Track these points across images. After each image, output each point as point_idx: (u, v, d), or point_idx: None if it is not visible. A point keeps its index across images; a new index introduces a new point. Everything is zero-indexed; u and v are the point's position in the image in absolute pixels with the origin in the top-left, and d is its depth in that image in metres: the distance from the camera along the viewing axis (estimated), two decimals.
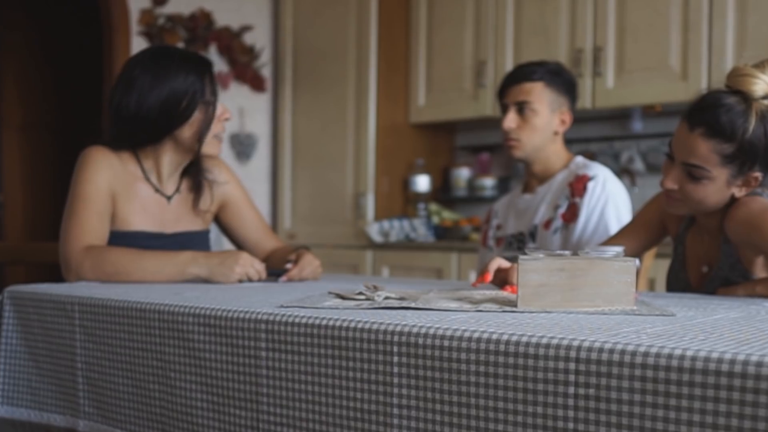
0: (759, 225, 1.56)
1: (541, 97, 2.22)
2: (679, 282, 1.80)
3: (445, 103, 3.98)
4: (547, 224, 2.21)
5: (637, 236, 1.88)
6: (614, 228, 2.12)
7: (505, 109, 2.26)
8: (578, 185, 2.19)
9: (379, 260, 3.94)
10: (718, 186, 1.58)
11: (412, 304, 1.21)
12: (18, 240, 4.97)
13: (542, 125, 2.23)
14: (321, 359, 1.10)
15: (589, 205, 2.16)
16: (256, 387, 1.17)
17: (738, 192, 1.60)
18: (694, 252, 1.78)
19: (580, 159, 2.30)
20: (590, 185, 2.17)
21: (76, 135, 4.76)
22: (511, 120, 2.22)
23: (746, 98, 1.53)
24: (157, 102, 1.84)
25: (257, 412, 1.17)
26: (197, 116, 1.87)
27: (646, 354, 0.83)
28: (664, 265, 2.90)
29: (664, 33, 3.29)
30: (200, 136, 1.89)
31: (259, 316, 1.17)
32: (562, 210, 2.19)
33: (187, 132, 1.88)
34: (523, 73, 2.24)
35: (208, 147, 1.93)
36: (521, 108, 2.22)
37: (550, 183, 2.27)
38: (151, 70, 1.85)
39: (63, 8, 5.07)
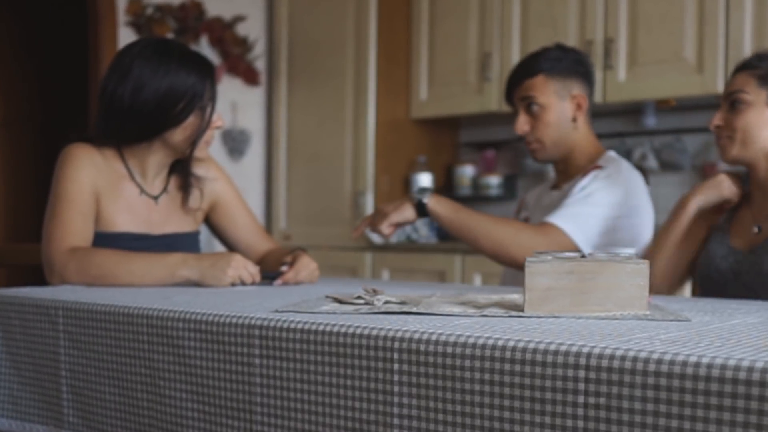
0: None
1: (545, 90, 2.18)
2: (722, 246, 1.85)
3: (449, 97, 3.98)
4: None
5: (685, 238, 1.92)
6: (598, 204, 2.09)
7: (516, 112, 2.24)
8: (585, 175, 2.16)
9: (379, 262, 3.95)
10: (758, 110, 1.78)
11: (414, 309, 1.21)
12: None
13: (555, 118, 2.19)
14: (318, 367, 1.10)
15: (581, 187, 2.12)
16: (250, 396, 1.17)
17: None
18: (740, 222, 1.87)
19: (611, 154, 2.24)
20: (592, 172, 2.14)
21: (61, 131, 4.76)
22: (523, 122, 2.20)
23: None
24: (154, 96, 1.83)
25: (251, 422, 1.17)
26: (192, 121, 1.87)
27: (659, 361, 0.83)
28: None
29: (678, 24, 3.29)
30: (192, 142, 1.89)
31: (253, 322, 1.17)
32: None
33: (178, 136, 1.89)
34: (521, 71, 2.22)
35: (196, 150, 1.93)
36: (529, 107, 2.19)
37: (575, 181, 2.20)
38: (151, 62, 1.85)
39: None
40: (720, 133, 1.85)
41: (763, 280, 1.73)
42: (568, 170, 2.25)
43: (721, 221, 1.91)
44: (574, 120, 2.21)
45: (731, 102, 1.82)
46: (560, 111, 2.20)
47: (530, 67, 2.21)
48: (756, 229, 1.82)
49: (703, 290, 1.88)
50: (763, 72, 1.79)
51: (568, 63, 2.22)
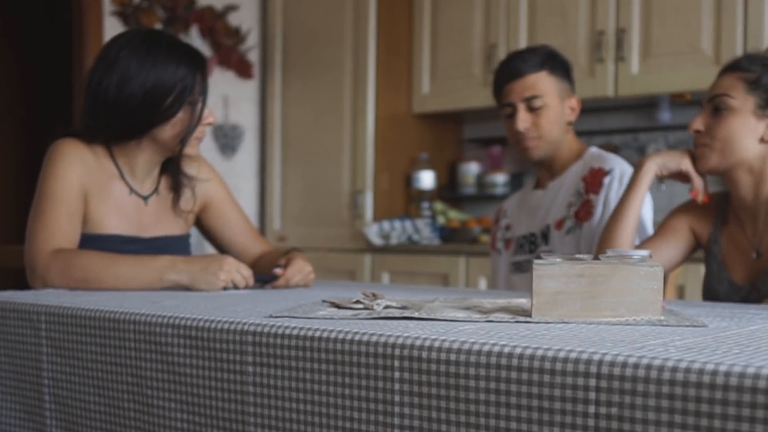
0: None
1: (549, 87, 2.22)
2: (722, 283, 1.80)
3: (452, 90, 3.98)
4: (560, 224, 2.22)
5: (667, 247, 1.86)
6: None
7: (508, 109, 2.25)
8: (593, 180, 2.19)
9: (379, 265, 3.95)
10: (744, 118, 1.69)
11: (415, 314, 1.21)
12: None
13: (556, 118, 2.24)
14: (314, 375, 1.10)
15: (605, 201, 2.15)
16: (243, 406, 1.17)
17: None
18: (735, 247, 1.79)
19: (594, 150, 2.31)
20: (606, 180, 2.17)
21: (44, 125, 4.76)
22: (524, 120, 2.21)
23: None
24: (140, 90, 1.83)
25: None
26: (181, 116, 1.87)
27: (674, 369, 0.83)
28: (694, 270, 2.91)
29: (694, 13, 3.29)
30: (182, 139, 1.89)
31: (246, 328, 1.17)
32: (575, 208, 2.19)
33: (168, 132, 1.88)
34: (522, 65, 2.23)
35: (187, 147, 1.93)
36: (530, 104, 2.21)
37: (562, 177, 2.28)
38: (138, 54, 1.84)
39: None
40: (699, 139, 1.76)
41: None
42: (553, 168, 2.30)
43: (713, 249, 1.82)
44: (569, 123, 2.28)
45: (714, 106, 1.73)
46: (561, 111, 2.25)
47: (532, 61, 2.22)
48: (754, 255, 1.74)
49: None
50: (754, 76, 1.69)
51: (563, 65, 2.27)
